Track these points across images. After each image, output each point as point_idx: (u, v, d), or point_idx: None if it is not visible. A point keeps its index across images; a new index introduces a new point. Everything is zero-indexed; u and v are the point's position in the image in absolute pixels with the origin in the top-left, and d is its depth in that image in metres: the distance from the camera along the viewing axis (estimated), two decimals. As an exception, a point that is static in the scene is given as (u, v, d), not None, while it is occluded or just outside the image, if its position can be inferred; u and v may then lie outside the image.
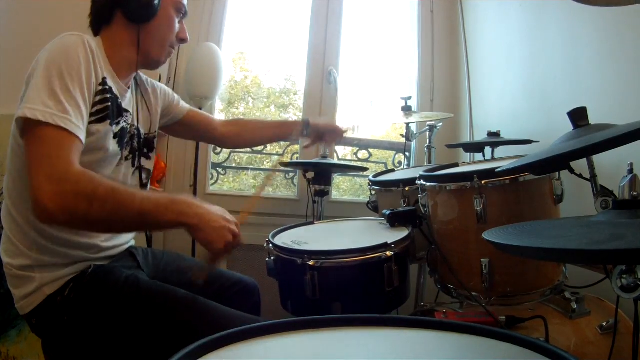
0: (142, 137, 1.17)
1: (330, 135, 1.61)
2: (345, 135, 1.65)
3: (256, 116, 2.67)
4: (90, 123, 0.94)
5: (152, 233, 1.89)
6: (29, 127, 0.85)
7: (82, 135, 0.89)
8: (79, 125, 0.88)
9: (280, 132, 1.58)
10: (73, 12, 1.70)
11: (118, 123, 1.04)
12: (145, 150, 1.19)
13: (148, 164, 1.20)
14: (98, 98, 0.97)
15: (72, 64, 0.90)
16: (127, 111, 1.09)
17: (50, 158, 0.82)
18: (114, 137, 1.03)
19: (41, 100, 0.84)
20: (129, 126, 1.10)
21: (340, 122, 1.60)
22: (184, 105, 1.39)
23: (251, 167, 2.57)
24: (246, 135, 1.53)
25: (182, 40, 1.16)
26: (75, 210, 0.80)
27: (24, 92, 0.90)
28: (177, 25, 1.14)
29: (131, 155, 1.13)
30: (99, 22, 1.07)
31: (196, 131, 1.45)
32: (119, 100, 1.05)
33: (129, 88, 1.11)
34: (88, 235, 1.02)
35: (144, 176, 1.18)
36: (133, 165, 1.15)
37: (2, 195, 1.11)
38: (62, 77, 0.88)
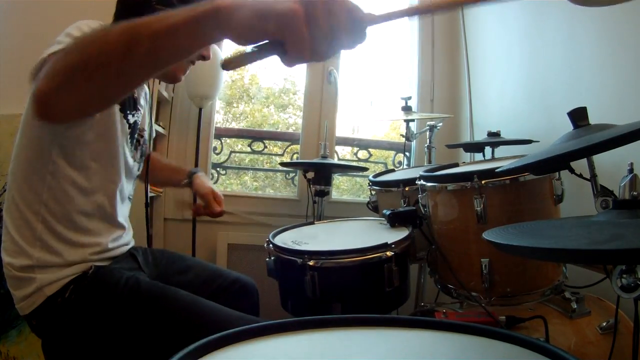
0: (146, 143, 1.18)
1: (208, 203, 1.34)
2: (215, 216, 1.35)
3: (255, 116, 2.68)
4: None
5: (152, 215, 1.81)
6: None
7: None
8: None
9: (169, 177, 1.47)
10: (74, 12, 1.71)
11: (133, 115, 1.04)
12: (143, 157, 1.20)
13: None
14: None
15: (91, 27, 0.88)
16: (139, 110, 1.09)
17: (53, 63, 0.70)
18: (129, 127, 1.03)
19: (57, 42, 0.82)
20: (139, 124, 1.10)
21: (218, 198, 1.33)
22: (152, 135, 1.38)
23: (251, 167, 2.57)
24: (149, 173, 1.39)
25: (203, 57, 1.05)
26: (64, 68, 0.65)
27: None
28: None
29: (141, 159, 1.14)
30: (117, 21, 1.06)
31: None
32: (135, 95, 1.05)
33: (143, 89, 1.11)
34: (93, 233, 1.02)
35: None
36: (138, 170, 1.15)
37: (1, 196, 1.11)
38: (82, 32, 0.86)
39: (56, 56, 0.67)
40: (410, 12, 0.58)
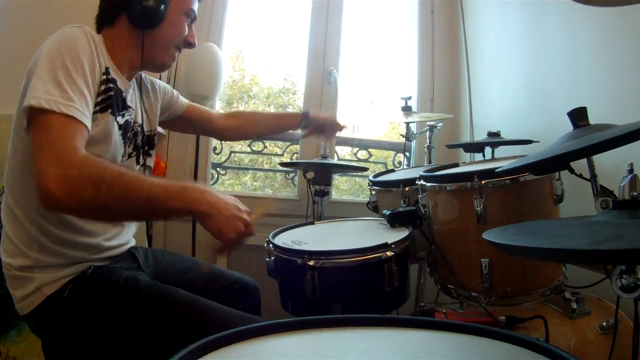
0: (145, 134, 1.18)
1: (329, 128, 1.62)
2: (343, 130, 1.65)
3: (256, 116, 2.67)
4: (94, 112, 0.94)
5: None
6: (34, 116, 0.84)
7: (88, 122, 0.89)
8: (83, 112, 0.87)
9: (279, 123, 1.59)
10: (73, 12, 1.70)
11: (122, 115, 1.05)
12: (146, 148, 1.19)
13: (149, 161, 1.21)
14: (102, 87, 0.97)
15: (75, 54, 0.90)
16: (130, 107, 1.09)
17: (55, 144, 0.81)
18: (119, 129, 1.03)
19: (45, 89, 0.84)
20: (132, 122, 1.11)
21: (339, 118, 1.60)
22: (183, 100, 1.39)
23: (251, 167, 2.57)
24: (246, 127, 1.54)
25: (190, 44, 1.15)
26: (81, 194, 0.79)
27: (24, 85, 0.91)
28: (185, 30, 1.12)
29: (135, 153, 1.14)
30: (101, 22, 1.07)
31: (196, 125, 1.45)
32: (123, 94, 1.06)
33: (131, 85, 1.12)
34: (90, 234, 1.02)
35: (147, 174, 1.18)
36: (138, 163, 1.15)
37: (1, 196, 1.11)
38: (65, 67, 0.88)
39: (80, 176, 0.80)
40: None
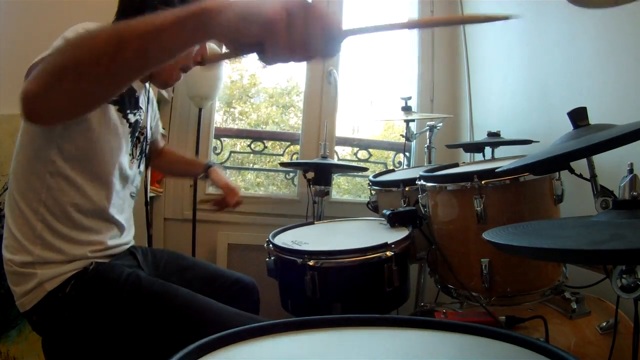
0: (148, 141, 1.19)
1: (225, 196, 1.46)
2: (233, 206, 1.46)
3: (258, 116, 2.68)
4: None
5: (152, 216, 1.89)
6: None
7: None
8: None
9: (186, 169, 1.56)
10: (74, 12, 1.71)
11: (134, 114, 1.05)
12: (144, 155, 1.20)
13: (142, 168, 1.21)
14: None
15: (88, 29, 0.89)
16: (141, 108, 1.10)
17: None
18: (129, 127, 1.03)
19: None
20: (141, 123, 1.11)
21: (233, 191, 1.44)
22: (159, 128, 1.41)
23: (251, 167, 2.57)
24: (163, 166, 1.53)
25: (199, 62, 1.02)
26: (54, 69, 0.65)
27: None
28: (196, 48, 1.06)
29: (140, 157, 1.14)
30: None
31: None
32: (137, 94, 1.06)
33: (143, 88, 1.12)
34: (93, 231, 1.03)
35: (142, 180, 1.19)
36: (138, 167, 1.16)
37: (2, 195, 1.11)
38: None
39: (47, 58, 0.68)
40: (385, 28, 0.59)
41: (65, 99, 0.67)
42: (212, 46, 1.46)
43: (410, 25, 0.71)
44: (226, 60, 0.72)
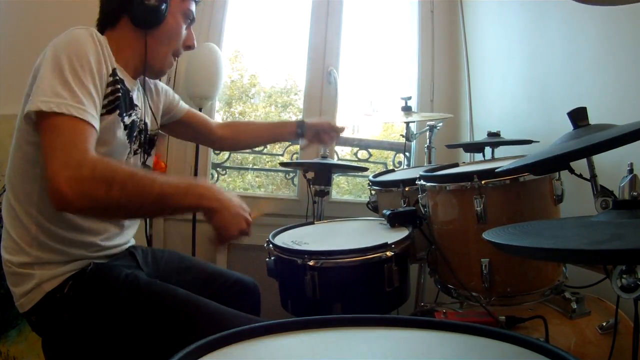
0: (148, 133, 1.18)
1: (326, 134, 1.60)
2: (342, 133, 1.63)
3: (255, 116, 2.67)
4: (101, 115, 0.94)
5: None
6: (43, 119, 0.85)
7: (97, 124, 0.90)
8: (93, 114, 0.88)
9: (275, 133, 1.58)
10: (74, 12, 1.71)
11: (130, 115, 1.05)
12: (147, 147, 1.20)
13: (149, 161, 1.21)
14: (109, 89, 0.98)
15: (82, 55, 0.91)
16: (136, 105, 1.10)
17: (66, 146, 0.82)
18: (125, 129, 1.04)
19: (54, 91, 0.84)
20: (138, 120, 1.11)
21: (337, 120, 1.56)
22: (184, 105, 1.39)
23: (251, 167, 2.57)
24: (242, 137, 1.53)
25: (189, 47, 1.16)
26: (94, 194, 0.80)
27: (30, 84, 0.90)
28: (184, 32, 1.13)
29: (140, 150, 1.14)
30: (103, 24, 1.07)
31: (194, 131, 1.45)
32: (130, 93, 1.06)
33: (137, 84, 1.12)
34: (89, 232, 1.02)
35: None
36: (139, 160, 1.15)
37: (1, 196, 1.11)
38: (73, 68, 0.88)
39: (92, 177, 0.81)
40: None
41: (92, 214, 0.96)
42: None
43: None
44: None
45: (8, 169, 1.00)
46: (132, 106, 1.07)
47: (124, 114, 1.02)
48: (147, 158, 1.19)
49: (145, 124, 1.17)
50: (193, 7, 1.14)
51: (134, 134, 1.09)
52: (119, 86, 1.00)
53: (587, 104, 0.86)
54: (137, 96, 1.12)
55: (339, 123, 1.66)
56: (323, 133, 1.59)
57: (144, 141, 1.17)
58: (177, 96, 1.37)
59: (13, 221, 0.98)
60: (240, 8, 2.33)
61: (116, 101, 0.99)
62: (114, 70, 0.99)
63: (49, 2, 1.86)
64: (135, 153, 1.13)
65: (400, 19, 2.54)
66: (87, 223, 1.02)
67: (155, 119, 1.23)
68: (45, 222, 0.96)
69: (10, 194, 0.99)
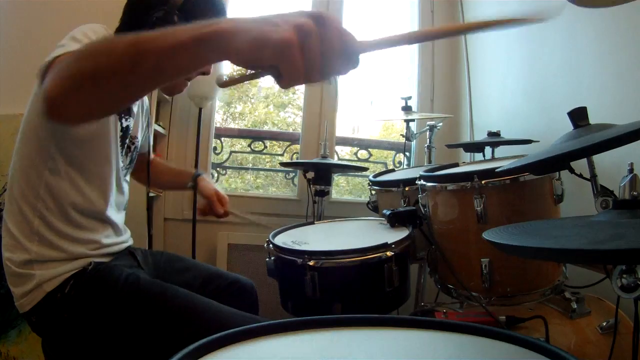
0: (138, 151, 1.19)
1: (212, 205, 1.37)
2: (222, 217, 1.39)
3: (255, 116, 2.68)
4: None
5: (152, 214, 1.85)
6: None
7: None
8: None
9: (173, 180, 1.47)
10: (74, 13, 1.71)
11: (126, 119, 1.05)
12: (130, 160, 1.18)
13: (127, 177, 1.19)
14: None
15: (96, 30, 0.92)
16: (133, 114, 1.09)
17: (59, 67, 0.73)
18: (120, 131, 1.03)
19: (62, 46, 0.85)
20: (131, 129, 1.11)
21: (222, 199, 1.36)
22: (149, 142, 1.36)
23: (251, 167, 2.57)
24: (152, 178, 1.39)
25: (204, 73, 1.05)
26: (66, 70, 0.67)
27: (38, 84, 0.88)
28: None
29: (130, 167, 1.14)
30: (120, 32, 1.06)
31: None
32: None
33: None
34: (89, 230, 1.03)
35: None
36: (125, 175, 1.16)
37: (1, 196, 1.11)
38: (85, 34, 0.89)
39: (66, 60, 0.69)
40: (404, 40, 0.58)
41: (83, 104, 0.69)
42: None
43: (433, 34, 0.69)
44: (242, 82, 0.73)
45: (13, 163, 1.00)
46: (129, 112, 1.07)
47: (122, 114, 1.02)
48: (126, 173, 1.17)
49: (137, 140, 1.17)
50: None
51: (126, 143, 1.10)
52: None
53: (587, 104, 0.86)
54: (136, 107, 1.12)
55: (222, 209, 1.38)
56: (210, 202, 1.38)
57: (133, 159, 1.17)
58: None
59: (15, 215, 0.98)
60: (240, 8, 2.32)
61: None
62: None
63: (49, 2, 1.86)
64: (123, 163, 1.12)
65: (400, 18, 2.54)
66: (88, 222, 1.02)
67: (142, 137, 1.24)
68: (48, 215, 0.97)
69: (14, 188, 0.99)
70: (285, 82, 0.56)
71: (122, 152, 1.08)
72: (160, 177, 1.42)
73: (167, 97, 2.10)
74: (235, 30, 0.56)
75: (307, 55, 0.53)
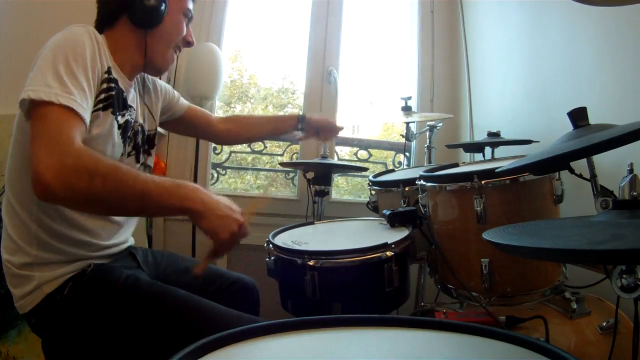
0: (146, 134, 1.18)
1: (325, 130, 1.61)
2: (341, 132, 1.65)
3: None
4: (94, 110, 0.94)
5: (152, 218, 1.90)
6: (32, 108, 0.84)
7: (86, 116, 0.89)
8: (82, 105, 0.87)
9: (276, 126, 1.58)
10: (73, 12, 1.70)
11: (123, 115, 1.05)
12: (146, 147, 1.19)
13: (149, 161, 1.21)
14: (103, 86, 0.97)
15: (78, 50, 0.91)
16: (131, 107, 1.10)
17: (52, 134, 0.81)
18: (119, 128, 1.03)
19: (45, 81, 0.84)
20: (133, 121, 1.11)
21: (338, 119, 1.59)
22: (184, 102, 1.40)
23: (251, 167, 2.57)
24: (243, 131, 1.54)
25: (189, 43, 1.17)
26: (75, 184, 0.78)
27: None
28: (184, 29, 1.14)
29: (134, 152, 1.14)
30: (102, 25, 1.07)
31: (195, 128, 1.46)
32: (124, 94, 1.06)
33: (132, 85, 1.12)
34: (89, 231, 1.02)
35: (147, 172, 1.18)
36: (137, 162, 1.15)
37: (1, 196, 1.11)
38: (67, 61, 0.88)
39: (77, 172, 0.79)
40: None
41: (75, 206, 0.90)
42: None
43: None
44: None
45: (8, 167, 1.00)
46: (125, 106, 1.07)
47: (117, 113, 1.02)
48: (147, 158, 1.19)
49: (141, 125, 1.16)
50: (191, 5, 1.15)
51: (128, 134, 1.09)
52: (112, 85, 1.00)
53: (587, 104, 0.86)
54: (132, 97, 1.11)
55: (338, 122, 1.67)
56: (322, 131, 1.60)
57: (142, 142, 1.16)
58: (177, 93, 1.37)
59: (13, 220, 0.98)
60: (240, 8, 2.33)
61: (109, 99, 0.98)
62: (109, 68, 1.00)
63: (49, 2, 1.86)
64: (129, 155, 1.12)
65: (400, 19, 2.54)
66: (87, 222, 1.02)
67: (154, 118, 1.23)
68: (46, 220, 0.96)
69: (10, 193, 0.99)
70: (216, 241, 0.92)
71: (123, 143, 1.08)
72: (252, 129, 1.55)
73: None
74: (203, 214, 0.89)
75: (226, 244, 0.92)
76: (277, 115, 1.67)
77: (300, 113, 1.59)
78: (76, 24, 0.96)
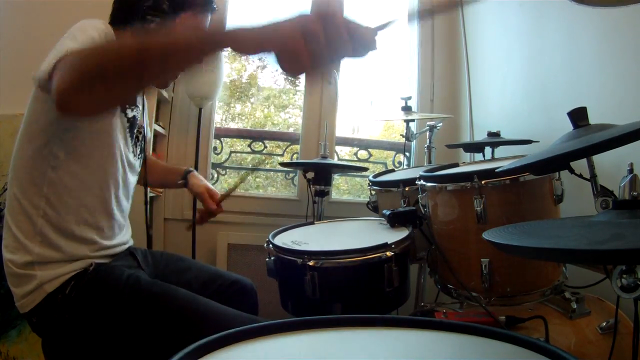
0: (146, 141, 1.19)
1: (203, 201, 1.37)
2: (209, 217, 1.38)
3: (255, 116, 2.68)
4: None
5: (152, 219, 1.84)
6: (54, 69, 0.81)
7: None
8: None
9: (167, 177, 1.46)
10: (74, 12, 1.71)
11: (132, 109, 1.05)
12: (142, 147, 1.19)
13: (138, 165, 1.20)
14: None
15: (89, 34, 0.91)
16: (138, 106, 1.10)
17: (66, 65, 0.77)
18: (127, 122, 1.03)
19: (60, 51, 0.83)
20: (138, 120, 1.11)
21: (214, 196, 1.33)
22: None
23: (251, 167, 2.57)
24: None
25: None
26: (79, 66, 0.71)
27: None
28: None
29: (141, 155, 1.14)
30: (114, 23, 1.07)
31: None
32: None
33: None
34: (92, 227, 1.03)
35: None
36: (139, 166, 1.16)
37: (2, 196, 1.11)
38: (79, 36, 0.89)
39: (72, 58, 0.73)
40: (409, 17, 0.60)
41: (93, 98, 0.73)
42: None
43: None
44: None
45: (14, 161, 1.00)
46: (134, 102, 1.07)
47: (127, 106, 1.03)
48: (141, 159, 1.19)
49: (143, 129, 1.17)
50: (206, 20, 1.12)
51: (134, 132, 1.10)
52: None
53: (587, 104, 0.86)
54: (139, 97, 1.12)
55: (212, 202, 1.36)
56: (199, 197, 1.38)
57: (143, 148, 1.17)
58: None
59: (17, 215, 0.98)
60: (240, 8, 2.32)
61: None
62: None
63: (49, 2, 1.87)
64: (134, 154, 1.13)
65: (400, 18, 2.54)
66: (93, 217, 1.03)
67: (149, 125, 1.24)
68: (52, 214, 0.97)
69: (16, 187, 0.99)
70: (294, 74, 0.60)
71: (131, 142, 1.08)
72: (153, 175, 1.37)
73: (166, 96, 2.10)
74: (239, 36, 0.61)
75: (313, 51, 0.56)
76: (170, 167, 1.51)
77: (187, 169, 1.42)
78: (90, 19, 0.97)
